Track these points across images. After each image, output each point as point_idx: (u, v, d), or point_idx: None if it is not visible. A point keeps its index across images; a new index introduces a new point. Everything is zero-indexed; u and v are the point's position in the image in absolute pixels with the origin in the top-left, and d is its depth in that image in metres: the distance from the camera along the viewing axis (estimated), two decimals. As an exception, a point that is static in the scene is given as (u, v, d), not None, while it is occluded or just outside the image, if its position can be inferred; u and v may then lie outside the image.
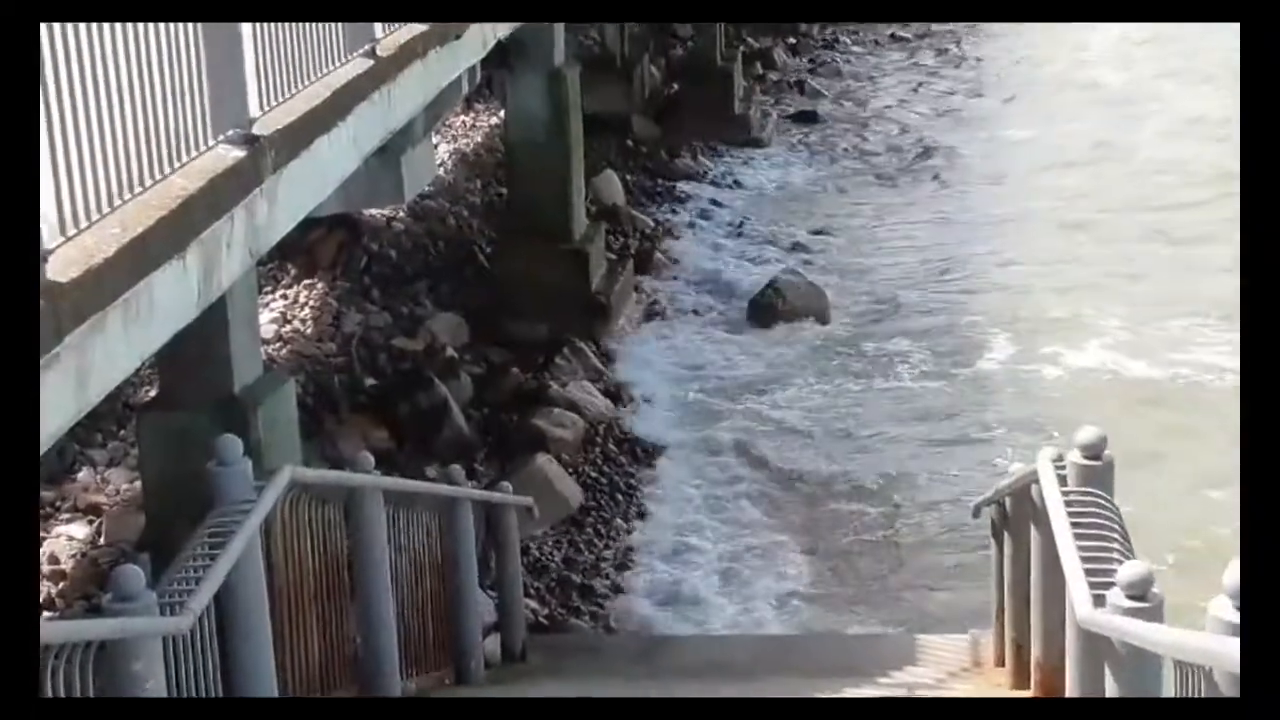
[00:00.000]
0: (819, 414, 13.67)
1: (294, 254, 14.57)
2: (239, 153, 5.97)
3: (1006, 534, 7.38)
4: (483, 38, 11.05)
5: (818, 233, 18.66)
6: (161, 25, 5.24)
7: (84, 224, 4.64)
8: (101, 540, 10.35)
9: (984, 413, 13.48)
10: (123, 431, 11.45)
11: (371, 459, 6.75)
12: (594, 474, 12.39)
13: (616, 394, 13.73)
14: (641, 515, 11.86)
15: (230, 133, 5.98)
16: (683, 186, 19.83)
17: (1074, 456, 5.95)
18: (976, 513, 8.19)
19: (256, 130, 6.16)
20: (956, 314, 15.90)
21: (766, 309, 15.82)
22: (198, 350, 6.80)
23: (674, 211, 18.89)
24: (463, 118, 19.81)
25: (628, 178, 19.37)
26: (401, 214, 16.00)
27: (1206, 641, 3.68)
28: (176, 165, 5.48)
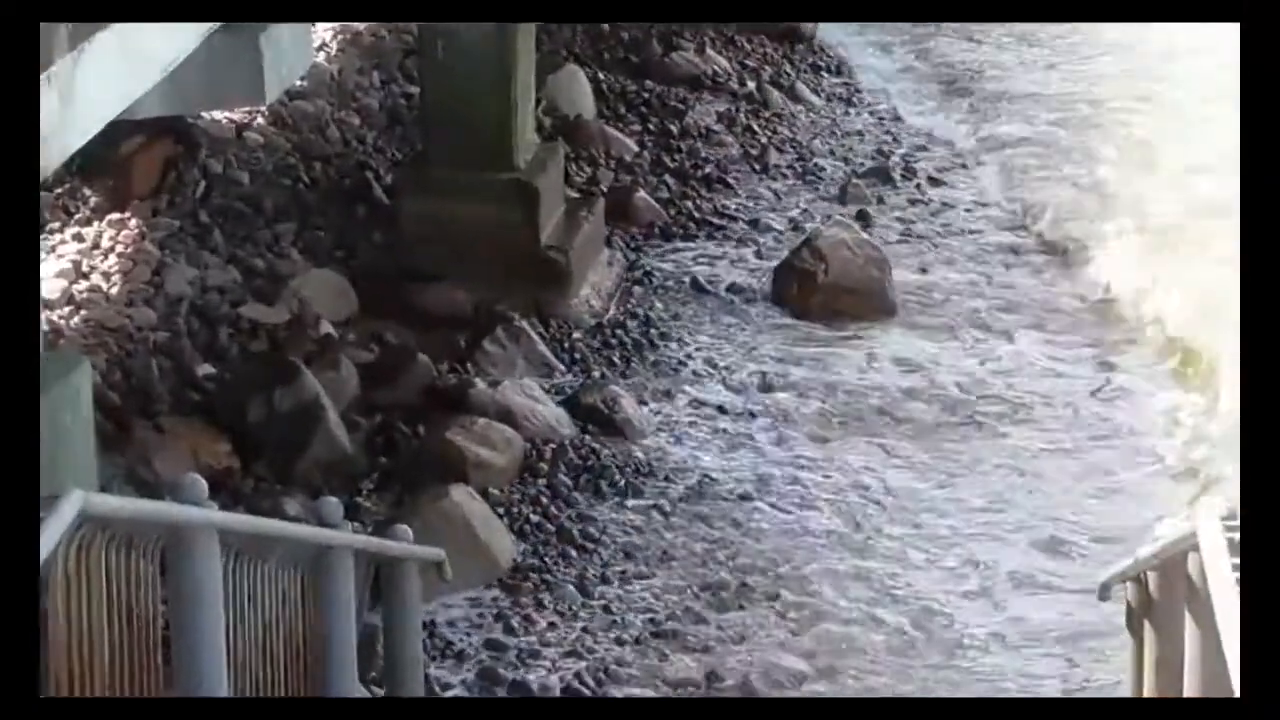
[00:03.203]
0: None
1: (97, 175, 14.54)
2: (18, 18, 5.94)
3: (1149, 625, 7.38)
4: None
5: (865, 175, 18.66)
6: None
7: None
8: None
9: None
10: None
11: (204, 485, 6.71)
12: (536, 517, 12.40)
13: (578, 403, 13.68)
14: (605, 579, 11.87)
15: (5, -12, 5.96)
16: (682, 94, 19.82)
17: (1254, 513, 5.95)
18: (1104, 593, 8.19)
19: (45, -15, 6.12)
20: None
21: (802, 278, 15.81)
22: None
23: (668, 130, 18.88)
24: (356, -20, 19.81)
25: (600, 77, 19.36)
26: (260, 120, 15.97)
27: None
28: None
